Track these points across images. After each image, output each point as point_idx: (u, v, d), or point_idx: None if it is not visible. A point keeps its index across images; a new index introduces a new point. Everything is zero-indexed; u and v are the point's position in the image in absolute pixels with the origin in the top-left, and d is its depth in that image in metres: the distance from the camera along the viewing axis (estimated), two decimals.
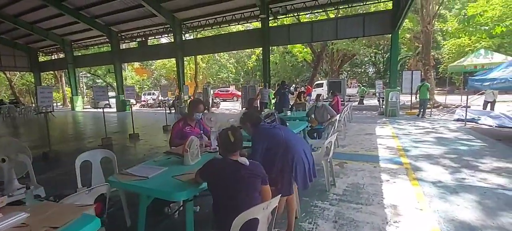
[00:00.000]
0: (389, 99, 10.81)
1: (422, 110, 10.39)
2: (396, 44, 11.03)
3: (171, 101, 16.51)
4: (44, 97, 6.42)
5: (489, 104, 9.78)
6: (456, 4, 22.85)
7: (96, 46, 22.36)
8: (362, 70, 37.16)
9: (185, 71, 26.98)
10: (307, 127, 5.78)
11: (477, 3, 15.99)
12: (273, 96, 9.63)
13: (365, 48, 22.87)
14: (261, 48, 14.02)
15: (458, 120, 9.10)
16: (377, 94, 13.93)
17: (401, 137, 6.85)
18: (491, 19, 14.69)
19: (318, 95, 5.66)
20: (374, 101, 18.40)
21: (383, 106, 12.39)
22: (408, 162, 4.68)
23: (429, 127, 8.19)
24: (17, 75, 29.08)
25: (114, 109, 19.78)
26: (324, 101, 8.18)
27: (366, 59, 34.92)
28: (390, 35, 11.31)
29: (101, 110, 7.04)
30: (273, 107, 9.39)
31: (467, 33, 13.66)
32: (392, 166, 4.49)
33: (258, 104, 9.09)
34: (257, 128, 2.44)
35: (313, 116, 5.79)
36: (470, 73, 9.91)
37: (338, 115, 5.79)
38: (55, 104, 24.05)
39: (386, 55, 33.62)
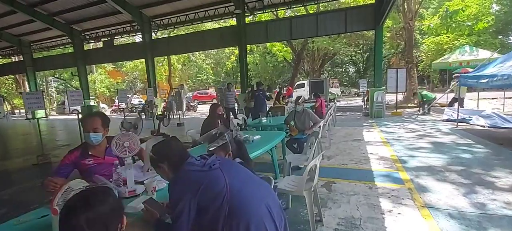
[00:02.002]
0: (374, 100, 10.10)
1: (426, 106, 10.30)
2: (381, 41, 10.36)
3: (142, 106, 15.08)
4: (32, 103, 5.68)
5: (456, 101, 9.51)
6: (433, 3, 22.99)
7: (60, 47, 20.36)
8: (343, 70, 37.06)
9: (160, 73, 25.49)
10: (285, 136, 4.80)
11: (455, 1, 15.90)
12: (244, 100, 8.45)
13: (346, 47, 22.45)
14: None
15: (448, 120, 8.50)
16: (361, 93, 13.29)
17: (393, 142, 6.03)
18: (468, 17, 14.52)
19: (298, 98, 4.67)
20: (356, 101, 17.93)
21: (368, 106, 11.73)
22: (409, 179, 3.79)
23: (420, 129, 7.48)
24: None
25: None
26: (306, 102, 7.28)
27: (346, 58, 34.84)
28: (373, 31, 10.62)
29: (66, 117, 5.83)
30: (243, 113, 8.27)
31: (450, 29, 13.36)
32: (391, 186, 3.58)
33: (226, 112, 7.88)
34: (180, 172, 1.35)
35: (292, 123, 4.81)
36: (451, 71, 9.63)
37: (322, 120, 4.84)
38: (6, 113, 21.62)
39: (366, 55, 33.71)
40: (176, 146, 1.40)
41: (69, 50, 19.69)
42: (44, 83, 34.15)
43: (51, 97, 33.73)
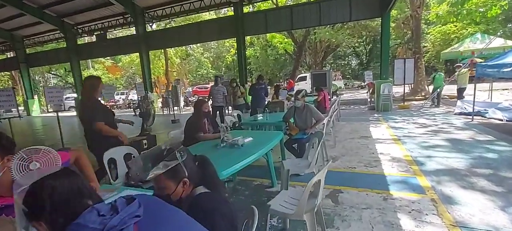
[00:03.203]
0: (380, 92, 9.47)
1: (436, 98, 9.93)
2: (387, 29, 9.66)
3: (137, 102, 14.51)
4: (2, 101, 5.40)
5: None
6: None
7: (53, 42, 19.75)
8: (346, 62, 36.22)
9: (158, 67, 24.87)
10: (284, 135, 4.22)
11: None
12: (239, 97, 7.15)
13: (349, 38, 21.67)
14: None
15: (460, 113, 7.86)
16: (366, 86, 12.63)
17: (405, 140, 5.43)
18: (482, 2, 13.71)
19: (298, 92, 4.06)
20: (360, 94, 17.27)
21: (373, 100, 11.10)
22: (430, 186, 3.21)
23: (432, 124, 6.86)
24: None
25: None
26: (308, 95, 6.66)
27: (349, 50, 34.03)
28: (378, 20, 9.92)
29: (56, 114, 5.36)
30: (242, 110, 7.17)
31: (460, 17, 12.59)
32: (410, 196, 2.99)
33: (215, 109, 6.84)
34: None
35: (292, 121, 4.22)
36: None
37: (326, 117, 4.24)
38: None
39: (369, 47, 32.86)
40: (67, 186, 0.75)
41: (63, 45, 19.12)
42: (43, 80, 33.77)
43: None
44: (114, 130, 3.11)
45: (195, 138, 3.35)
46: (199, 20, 14.98)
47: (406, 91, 11.17)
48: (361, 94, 18.01)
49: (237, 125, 4.88)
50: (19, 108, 25.35)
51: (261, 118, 4.68)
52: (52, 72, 28.80)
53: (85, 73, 28.46)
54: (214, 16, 16.83)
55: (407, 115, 8.51)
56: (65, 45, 17.26)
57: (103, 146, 2.82)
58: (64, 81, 25.84)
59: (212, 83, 8.14)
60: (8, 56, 22.24)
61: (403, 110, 9.51)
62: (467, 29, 18.34)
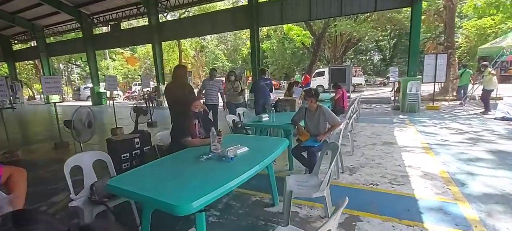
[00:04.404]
0: (407, 91, 8.50)
1: (463, 97, 9.44)
2: (418, 21, 8.58)
3: (148, 93, 14.29)
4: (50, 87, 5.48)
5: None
6: None
7: (72, 32, 20.02)
8: (367, 58, 34.44)
9: (172, 59, 24.69)
10: (291, 136, 3.58)
11: None
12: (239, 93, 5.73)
13: (372, 31, 20.29)
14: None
15: (503, 118, 6.79)
16: (391, 84, 11.60)
17: (437, 149, 4.59)
18: None
19: (310, 90, 3.37)
20: (382, 91, 16.08)
21: (398, 99, 10.11)
22: (478, 219, 2.45)
23: (468, 130, 5.91)
24: None
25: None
26: (325, 92, 5.91)
27: (371, 45, 32.29)
28: (410, 8, 8.88)
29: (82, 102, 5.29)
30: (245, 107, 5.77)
31: (502, 8, 11.14)
32: None
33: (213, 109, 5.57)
34: None
35: (302, 124, 3.55)
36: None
37: (344, 122, 3.53)
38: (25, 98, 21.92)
39: (393, 41, 30.97)
40: None
41: (80, 35, 19.35)
42: (67, 69, 34.80)
43: (74, 84, 34.26)
44: (202, 104, 3.24)
45: (181, 143, 2.79)
46: (212, 11, 14.39)
47: (435, 90, 10.07)
48: (383, 92, 16.81)
49: (239, 125, 4.25)
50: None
51: (267, 118, 4.02)
52: (73, 62, 29.49)
53: (102, 64, 28.97)
54: (229, 6, 16.18)
55: (437, 117, 7.54)
56: (81, 35, 17.36)
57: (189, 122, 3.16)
58: (84, 71, 26.39)
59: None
60: (31, 45, 22.94)
61: (432, 112, 8.51)
62: (506, 24, 16.56)
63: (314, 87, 4.71)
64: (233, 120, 4.50)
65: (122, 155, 4.22)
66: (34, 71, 28.07)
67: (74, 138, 3.99)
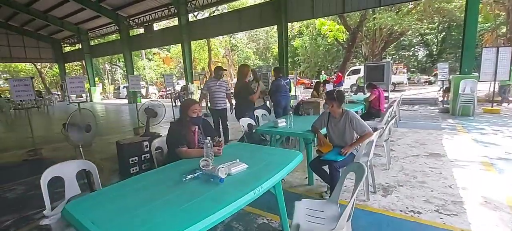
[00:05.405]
0: (459, 91, 7.28)
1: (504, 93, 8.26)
2: (476, 8, 7.28)
3: (177, 93, 14.50)
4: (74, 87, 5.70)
5: None
6: None
7: (112, 35, 21.36)
8: (411, 53, 31.54)
9: (203, 58, 25.05)
10: (311, 145, 3.01)
11: None
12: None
13: (417, 24, 18.31)
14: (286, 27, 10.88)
15: None
16: (439, 82, 10.20)
17: (501, 165, 3.65)
18: None
19: (331, 92, 2.77)
20: (427, 91, 14.37)
21: (446, 100, 8.81)
22: None
23: None
24: (47, 67, 29.76)
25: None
26: (358, 91, 5.15)
27: (415, 40, 29.52)
28: None
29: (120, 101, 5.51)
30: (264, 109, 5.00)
31: None
32: None
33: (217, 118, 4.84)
34: None
35: (322, 134, 2.95)
36: None
37: (377, 132, 2.85)
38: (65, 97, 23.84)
39: (442, 35, 27.97)
40: None
41: (118, 37, 20.55)
42: (112, 69, 37.40)
43: (117, 83, 36.75)
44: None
45: (175, 152, 2.39)
46: (240, 8, 14.07)
47: (491, 90, 8.56)
48: (429, 91, 15.05)
49: (254, 130, 3.77)
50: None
51: (284, 124, 3.46)
52: (114, 63, 31.55)
53: (139, 64, 30.48)
54: (257, 2, 15.70)
55: (499, 123, 6.27)
56: (119, 37, 18.33)
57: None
58: (123, 70, 28.14)
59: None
60: (78, 47, 25.03)
61: (491, 116, 7.17)
62: None
63: (342, 88, 4.02)
64: (249, 124, 4.02)
65: (130, 159, 4.02)
66: (81, 71, 30.55)
67: (68, 143, 3.86)
